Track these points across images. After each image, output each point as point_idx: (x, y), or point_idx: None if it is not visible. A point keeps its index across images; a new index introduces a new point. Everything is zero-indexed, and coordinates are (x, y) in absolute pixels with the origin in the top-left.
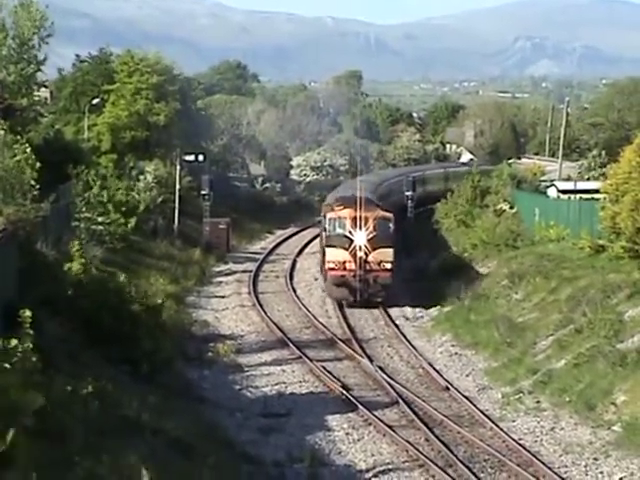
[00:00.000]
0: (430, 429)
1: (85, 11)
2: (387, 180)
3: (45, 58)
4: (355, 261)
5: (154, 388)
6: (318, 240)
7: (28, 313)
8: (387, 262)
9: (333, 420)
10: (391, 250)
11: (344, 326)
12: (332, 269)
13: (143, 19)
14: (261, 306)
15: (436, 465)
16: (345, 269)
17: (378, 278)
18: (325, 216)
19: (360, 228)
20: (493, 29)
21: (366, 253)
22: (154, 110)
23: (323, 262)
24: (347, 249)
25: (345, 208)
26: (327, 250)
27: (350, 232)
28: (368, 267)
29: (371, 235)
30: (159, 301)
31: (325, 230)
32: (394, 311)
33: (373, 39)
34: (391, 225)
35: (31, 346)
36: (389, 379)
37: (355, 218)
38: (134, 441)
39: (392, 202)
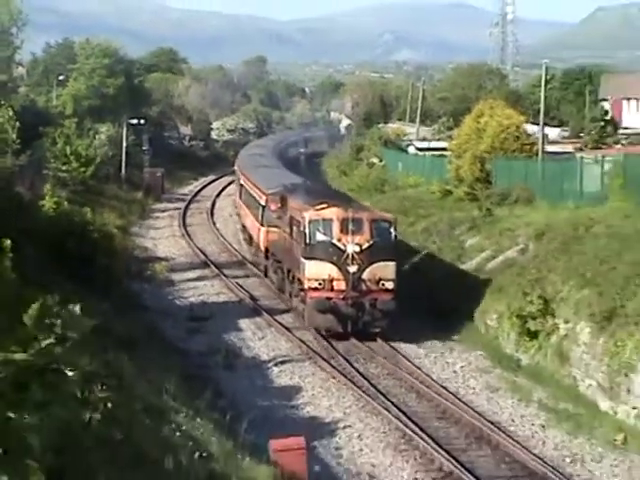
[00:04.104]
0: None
1: (56, 8)
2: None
3: (22, 41)
4: (346, 279)
5: (107, 298)
6: (234, 186)
7: (8, 242)
8: (388, 280)
9: (243, 323)
10: (393, 264)
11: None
12: (314, 289)
13: (102, 14)
14: (189, 235)
15: (321, 357)
16: (332, 289)
17: (377, 302)
18: (301, 217)
19: (353, 234)
20: (369, 24)
21: (360, 268)
22: (106, 84)
23: (293, 278)
24: (335, 262)
25: (330, 207)
26: (306, 263)
27: (339, 239)
28: (363, 287)
29: (367, 244)
30: (113, 230)
31: (301, 235)
32: None
33: (277, 32)
34: (392, 231)
35: (9, 265)
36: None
37: (345, 220)
38: (93, 337)
39: (289, 156)
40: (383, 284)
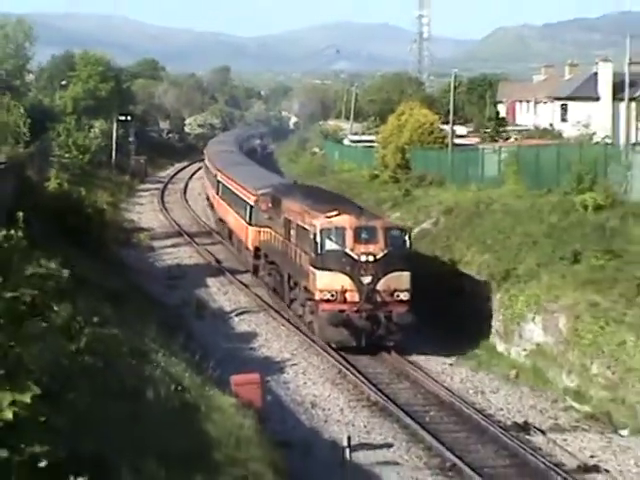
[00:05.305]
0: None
1: (59, 27)
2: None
3: (33, 53)
4: (359, 290)
5: (99, 261)
6: (203, 172)
7: (21, 214)
8: (403, 291)
9: (210, 281)
10: (408, 274)
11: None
12: (326, 301)
13: (95, 30)
14: (166, 210)
15: (274, 309)
16: (345, 301)
17: (392, 314)
18: (311, 224)
19: (366, 243)
20: (314, 40)
21: (375, 279)
22: (99, 88)
23: (295, 285)
24: (348, 273)
25: (342, 214)
26: (317, 274)
27: (352, 249)
28: (378, 299)
29: (382, 253)
30: (105, 206)
31: (311, 243)
32: None
33: (238, 46)
34: (407, 239)
35: (22, 234)
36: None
37: (359, 229)
38: (87, 294)
39: (248, 147)
40: (398, 295)
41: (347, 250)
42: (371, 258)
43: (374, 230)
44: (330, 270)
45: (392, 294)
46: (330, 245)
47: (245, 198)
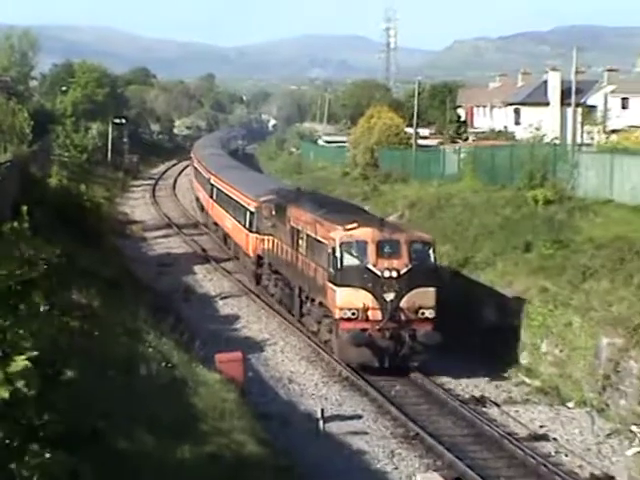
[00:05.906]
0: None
1: (60, 37)
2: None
3: (37, 62)
4: (382, 308)
5: (97, 250)
6: (191, 170)
7: (25, 208)
8: (428, 308)
9: (197, 268)
10: (433, 291)
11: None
12: (347, 320)
13: (92, 42)
14: (157, 204)
15: (255, 294)
16: (367, 319)
17: (417, 333)
18: (329, 238)
19: (389, 257)
20: (291, 50)
21: (398, 295)
22: (96, 93)
23: (307, 298)
24: (370, 290)
25: (362, 227)
26: (337, 291)
27: (375, 264)
28: (402, 317)
29: (405, 268)
30: (101, 200)
31: (329, 257)
32: None
33: (221, 55)
34: (432, 253)
35: (27, 225)
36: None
37: (381, 243)
38: (86, 280)
39: (231, 146)
40: (423, 313)
41: (369, 265)
42: (394, 274)
43: (397, 244)
44: (350, 287)
45: (417, 312)
46: (350, 260)
47: (244, 204)
